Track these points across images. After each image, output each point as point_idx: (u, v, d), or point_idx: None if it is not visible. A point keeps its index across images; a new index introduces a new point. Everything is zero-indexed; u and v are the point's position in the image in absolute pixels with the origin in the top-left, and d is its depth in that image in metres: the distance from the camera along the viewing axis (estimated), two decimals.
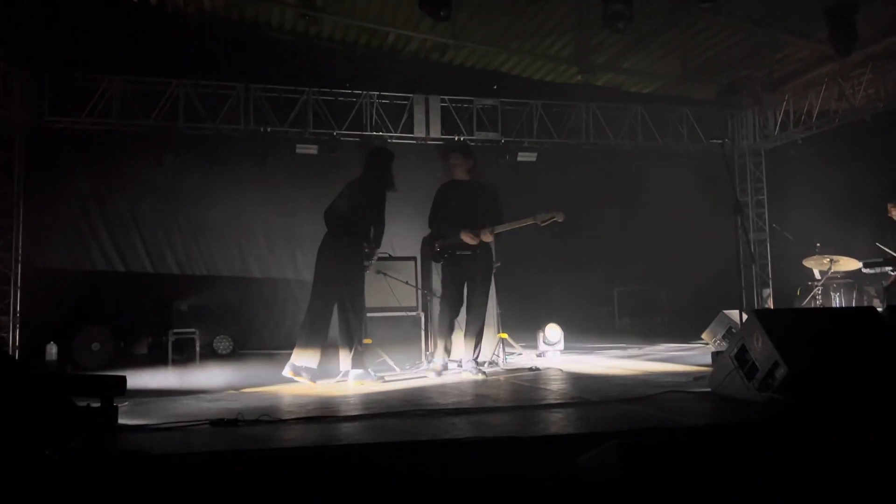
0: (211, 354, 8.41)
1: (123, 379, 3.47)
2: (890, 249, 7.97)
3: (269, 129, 9.45)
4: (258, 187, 9.70)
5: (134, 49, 8.74)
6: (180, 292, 9.08)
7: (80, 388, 3.55)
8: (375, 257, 5.80)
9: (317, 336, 5.48)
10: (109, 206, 9.41)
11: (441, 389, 5.16)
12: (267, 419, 3.75)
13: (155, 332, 8.61)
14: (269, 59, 9.46)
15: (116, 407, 3.49)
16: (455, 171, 6.16)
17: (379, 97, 10.00)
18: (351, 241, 5.62)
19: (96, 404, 3.41)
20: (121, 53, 8.76)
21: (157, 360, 8.06)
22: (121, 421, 3.55)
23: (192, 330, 7.87)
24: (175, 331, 7.81)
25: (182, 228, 9.72)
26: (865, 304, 8.01)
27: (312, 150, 9.65)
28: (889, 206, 8.26)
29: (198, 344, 7.86)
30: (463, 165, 6.12)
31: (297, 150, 9.66)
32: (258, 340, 9.30)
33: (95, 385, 3.50)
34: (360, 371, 5.56)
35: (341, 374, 5.59)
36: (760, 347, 4.04)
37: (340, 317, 5.60)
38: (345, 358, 5.59)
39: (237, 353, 8.60)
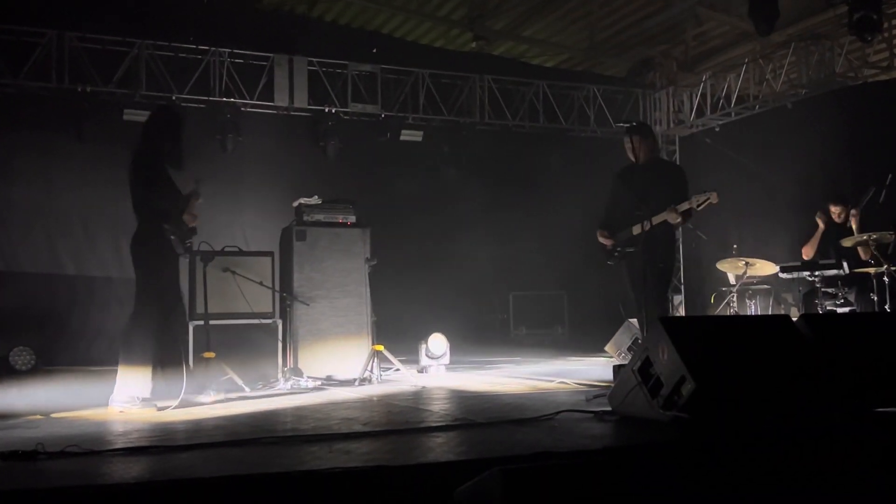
0: (6, 371, 7.99)
1: None
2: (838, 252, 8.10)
3: (88, 89, 9.15)
4: (74, 162, 9.32)
5: None
6: None
7: None
8: (186, 236, 5.55)
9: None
10: None
11: (299, 413, 5.13)
12: (76, 451, 3.60)
13: None
14: (91, 2, 9.06)
15: None
16: None
17: (231, 56, 9.78)
18: (141, 230, 5.51)
19: None
20: None
21: None
22: None
23: None
24: None
25: None
26: (782, 311, 8.57)
27: (145, 116, 9.30)
28: (831, 206, 7.96)
29: None
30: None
31: (126, 117, 9.35)
32: (70, 353, 8.92)
33: None
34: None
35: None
36: (666, 360, 4.25)
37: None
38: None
39: (41, 369, 8.20)
